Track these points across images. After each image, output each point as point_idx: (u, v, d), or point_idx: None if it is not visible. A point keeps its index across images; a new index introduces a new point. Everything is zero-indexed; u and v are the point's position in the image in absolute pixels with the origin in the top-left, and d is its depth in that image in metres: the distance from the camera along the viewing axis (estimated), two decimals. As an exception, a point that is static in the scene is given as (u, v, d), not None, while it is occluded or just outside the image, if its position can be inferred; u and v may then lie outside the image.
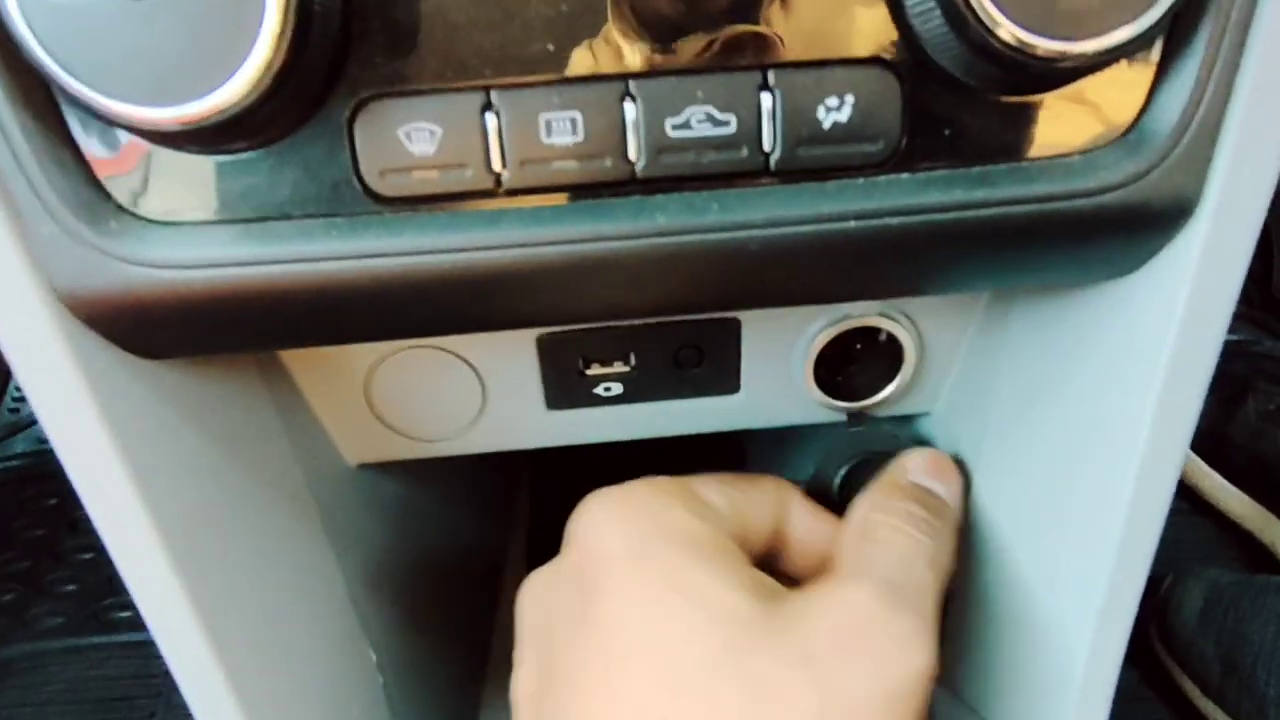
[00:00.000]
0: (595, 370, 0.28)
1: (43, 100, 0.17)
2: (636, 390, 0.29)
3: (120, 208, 0.18)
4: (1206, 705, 0.53)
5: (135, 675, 0.73)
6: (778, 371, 0.29)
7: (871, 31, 0.18)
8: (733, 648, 0.21)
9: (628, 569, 0.23)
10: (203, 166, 0.18)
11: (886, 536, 0.24)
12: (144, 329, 0.20)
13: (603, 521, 0.24)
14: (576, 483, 0.26)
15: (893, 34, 0.18)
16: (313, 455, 0.28)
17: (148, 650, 0.73)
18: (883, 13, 0.18)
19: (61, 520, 0.82)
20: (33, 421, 0.89)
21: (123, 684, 0.73)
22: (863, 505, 0.26)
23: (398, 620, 0.33)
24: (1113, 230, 0.20)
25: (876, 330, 0.28)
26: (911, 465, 0.28)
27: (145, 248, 0.18)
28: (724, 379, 0.29)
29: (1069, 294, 0.24)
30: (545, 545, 0.27)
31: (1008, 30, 0.16)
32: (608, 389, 0.28)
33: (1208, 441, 0.66)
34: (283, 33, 0.15)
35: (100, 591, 0.77)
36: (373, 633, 0.30)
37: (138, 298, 0.18)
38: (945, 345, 0.29)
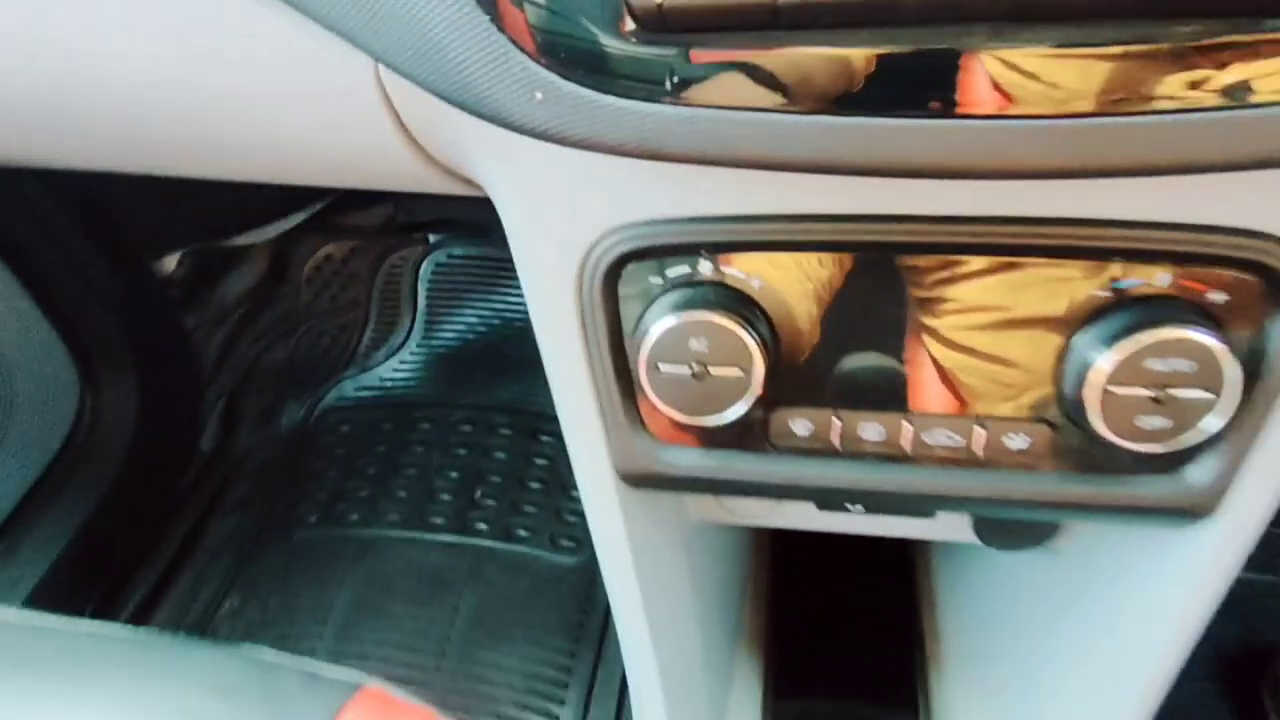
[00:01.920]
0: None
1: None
2: (872, 506, 0.48)
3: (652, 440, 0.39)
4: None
5: (451, 566, 1.02)
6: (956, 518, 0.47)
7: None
8: None
9: None
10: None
11: None
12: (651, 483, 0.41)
13: None
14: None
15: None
16: (683, 515, 0.49)
17: (459, 549, 1.02)
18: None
19: (398, 441, 1.13)
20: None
21: (442, 571, 1.01)
22: None
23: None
24: (1161, 514, 0.37)
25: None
26: None
27: (659, 457, 0.39)
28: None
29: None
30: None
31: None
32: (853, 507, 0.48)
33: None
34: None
35: (425, 497, 1.07)
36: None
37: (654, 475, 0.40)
38: None
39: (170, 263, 1.03)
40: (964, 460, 0.37)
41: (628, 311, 0.36)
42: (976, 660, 0.54)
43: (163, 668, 0.44)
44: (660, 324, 0.34)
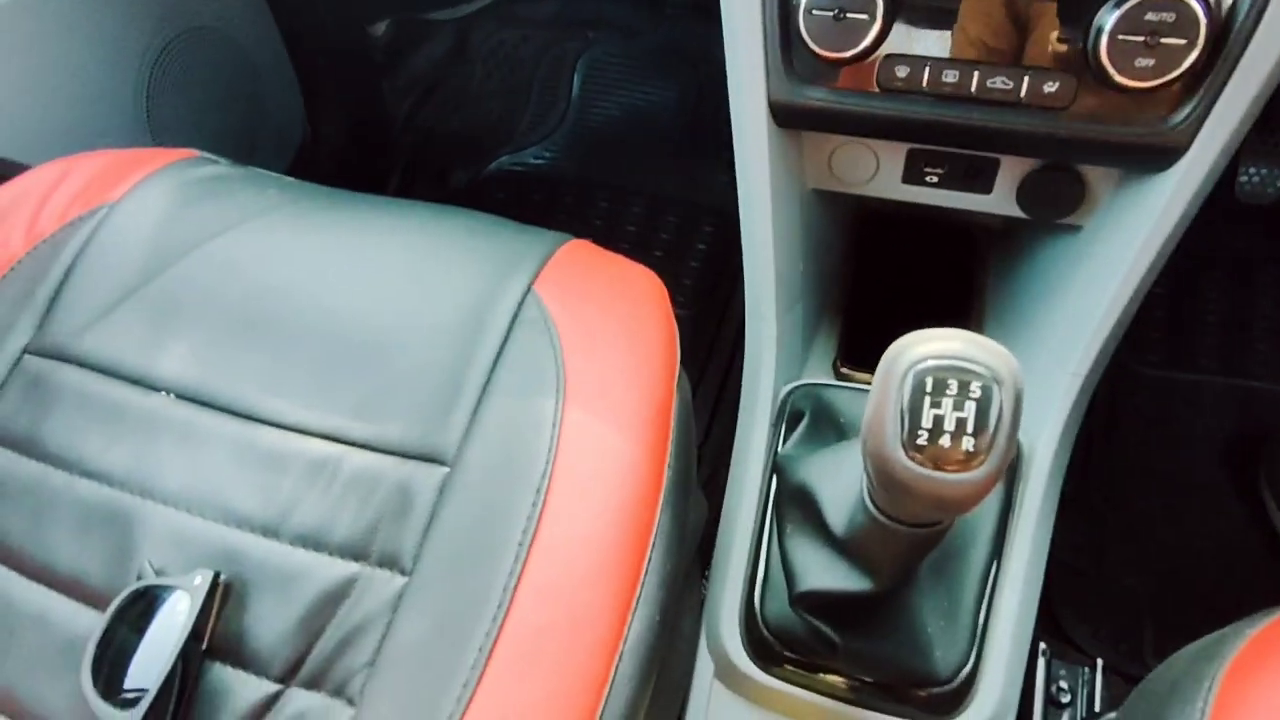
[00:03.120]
0: (928, 169, 0.64)
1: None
2: (943, 182, 0.64)
3: (796, 77, 0.57)
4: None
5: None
6: (1006, 190, 0.63)
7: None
8: None
9: None
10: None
11: None
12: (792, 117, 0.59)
13: None
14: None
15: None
16: (803, 180, 0.67)
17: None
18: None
19: (545, 209, 1.32)
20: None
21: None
22: None
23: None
24: (1151, 152, 0.52)
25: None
26: None
27: (803, 91, 0.57)
28: (986, 185, 0.64)
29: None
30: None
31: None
32: (930, 178, 0.64)
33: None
34: None
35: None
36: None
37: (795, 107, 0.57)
38: None
39: (380, 28, 1.24)
40: (1013, 101, 0.53)
41: (795, -29, 0.53)
42: (1011, 330, 0.71)
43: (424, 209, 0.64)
44: (816, -23, 0.51)
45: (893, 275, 0.79)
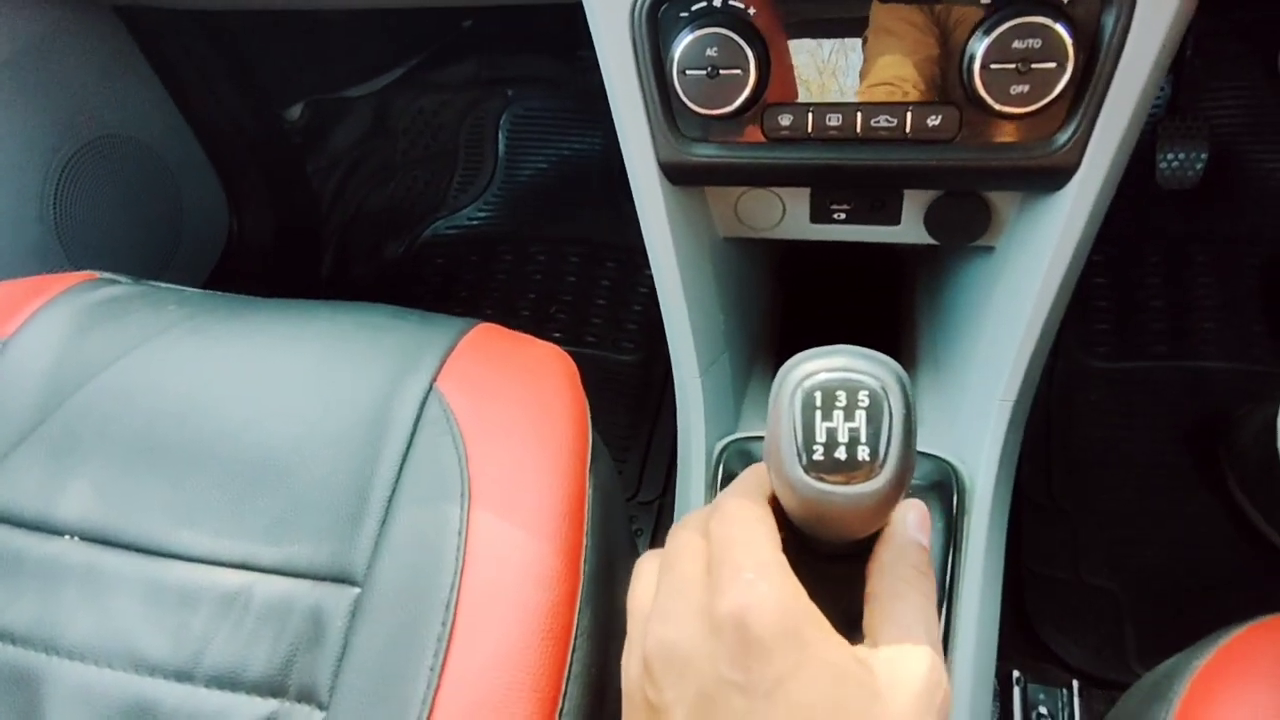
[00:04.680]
0: (834, 206, 0.63)
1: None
2: (851, 217, 0.63)
3: (683, 137, 0.56)
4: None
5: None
6: (914, 219, 0.62)
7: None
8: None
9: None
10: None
11: (911, 596, 0.31)
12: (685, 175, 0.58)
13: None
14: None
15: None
16: (712, 231, 0.66)
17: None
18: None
19: (484, 271, 1.30)
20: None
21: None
22: (885, 562, 0.32)
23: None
24: (1043, 174, 0.52)
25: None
26: (911, 520, 0.34)
27: (690, 150, 0.56)
28: (893, 217, 0.63)
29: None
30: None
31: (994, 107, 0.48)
32: (837, 215, 0.64)
33: None
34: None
35: (509, 315, 1.24)
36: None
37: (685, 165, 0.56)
38: None
39: (295, 111, 1.22)
40: (899, 138, 0.52)
41: (664, 35, 0.52)
42: (942, 358, 0.70)
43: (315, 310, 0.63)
44: (684, 38, 0.51)
45: (824, 309, 0.78)
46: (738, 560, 0.29)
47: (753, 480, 0.35)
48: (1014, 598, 0.58)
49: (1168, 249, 1.10)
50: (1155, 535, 0.94)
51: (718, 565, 0.30)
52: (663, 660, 0.29)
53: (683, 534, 0.33)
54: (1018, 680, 0.66)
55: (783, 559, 0.30)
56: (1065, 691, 0.67)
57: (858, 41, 0.50)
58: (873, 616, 0.31)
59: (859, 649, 0.29)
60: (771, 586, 0.28)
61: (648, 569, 0.33)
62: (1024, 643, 0.84)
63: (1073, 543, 0.95)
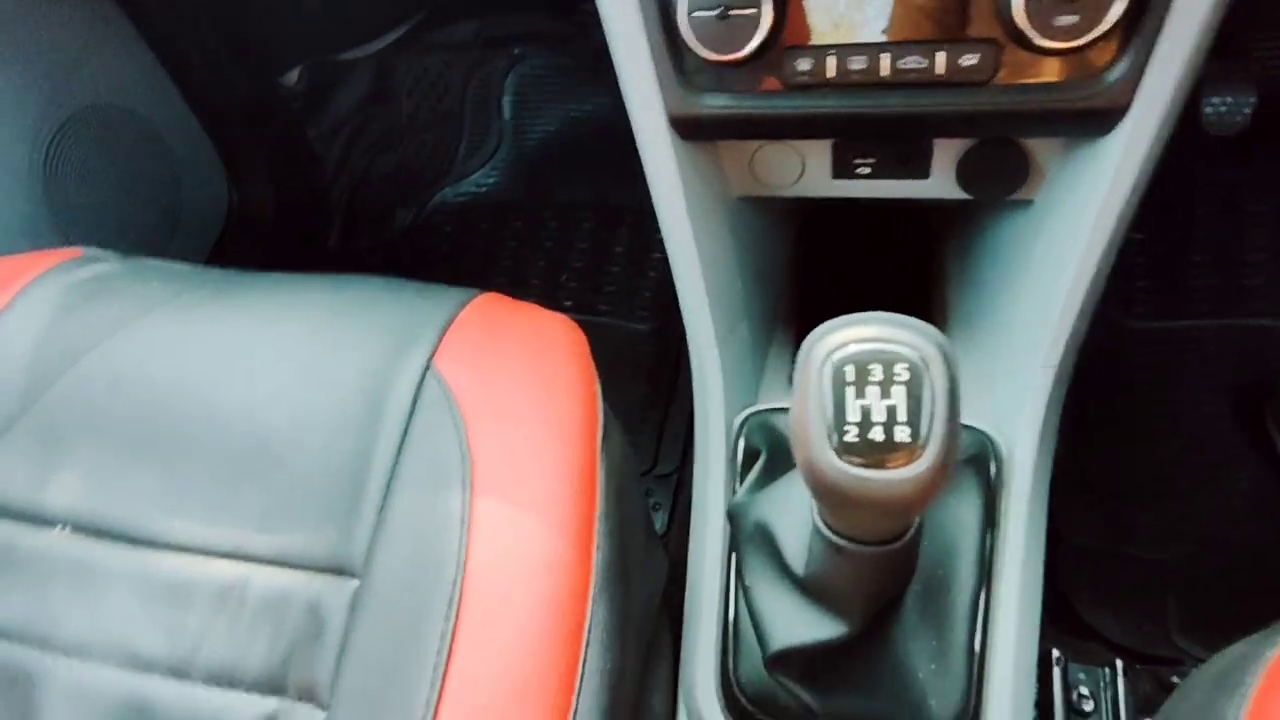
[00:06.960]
0: (857, 160, 0.59)
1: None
2: (876, 171, 0.59)
3: (692, 87, 0.51)
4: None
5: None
6: (945, 172, 0.58)
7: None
8: None
9: None
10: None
11: None
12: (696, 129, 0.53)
13: None
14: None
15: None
16: (726, 190, 0.62)
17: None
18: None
19: (495, 239, 1.27)
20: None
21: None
22: None
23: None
24: (1090, 117, 0.47)
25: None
26: None
27: (700, 101, 0.51)
28: (922, 170, 0.58)
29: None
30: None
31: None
32: (861, 169, 0.59)
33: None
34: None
35: (520, 285, 1.21)
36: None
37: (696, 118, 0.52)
38: None
39: (292, 76, 1.18)
40: (929, 81, 0.48)
41: (670, -27, 0.47)
42: (977, 322, 0.66)
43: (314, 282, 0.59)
44: (693, -24, 0.46)
45: (847, 273, 0.73)
46: None
47: None
48: (1048, 571, 0.54)
49: (1214, 198, 1.04)
50: (1199, 503, 0.90)
51: None
52: None
53: None
54: (1057, 660, 0.62)
55: None
56: (1108, 670, 0.64)
57: (885, -26, 0.45)
58: None
59: None
60: None
61: None
62: (1060, 617, 0.80)
63: (1111, 513, 0.91)
